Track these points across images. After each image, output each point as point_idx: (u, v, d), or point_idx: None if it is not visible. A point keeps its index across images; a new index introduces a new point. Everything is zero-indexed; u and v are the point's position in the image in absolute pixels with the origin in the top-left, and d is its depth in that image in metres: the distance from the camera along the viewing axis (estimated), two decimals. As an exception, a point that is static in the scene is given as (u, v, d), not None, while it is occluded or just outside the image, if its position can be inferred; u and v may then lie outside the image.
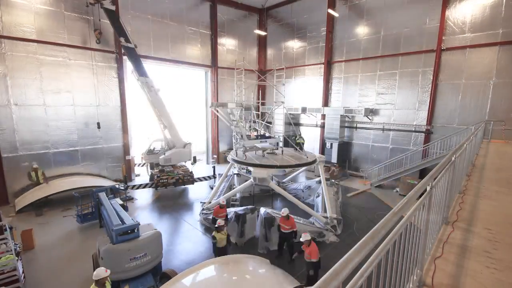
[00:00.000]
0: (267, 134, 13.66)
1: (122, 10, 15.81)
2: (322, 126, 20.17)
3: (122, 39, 13.87)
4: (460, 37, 13.90)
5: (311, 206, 12.28)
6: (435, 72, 14.69)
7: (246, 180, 12.32)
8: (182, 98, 21.13)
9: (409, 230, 2.22)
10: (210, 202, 11.98)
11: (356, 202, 13.62)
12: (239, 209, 10.12)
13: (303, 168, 14.57)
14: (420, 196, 2.47)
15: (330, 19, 18.86)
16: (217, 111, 12.29)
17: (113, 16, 13.91)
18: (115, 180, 16.31)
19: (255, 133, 13.57)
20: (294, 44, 21.84)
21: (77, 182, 13.82)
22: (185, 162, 16.44)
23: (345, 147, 18.90)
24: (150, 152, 16.09)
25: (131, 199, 13.98)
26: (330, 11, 18.03)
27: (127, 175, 16.19)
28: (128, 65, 16.74)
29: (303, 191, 14.18)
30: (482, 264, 3.01)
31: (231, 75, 14.13)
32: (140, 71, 14.28)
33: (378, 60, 17.04)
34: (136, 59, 14.39)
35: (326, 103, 19.91)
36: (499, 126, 12.82)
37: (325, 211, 11.09)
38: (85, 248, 9.15)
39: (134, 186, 14.64)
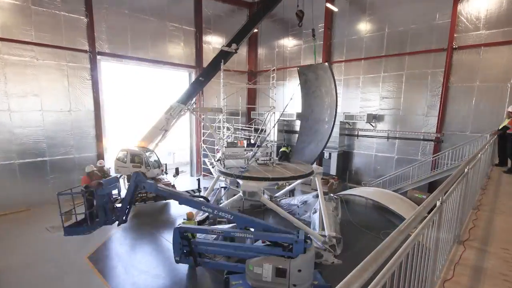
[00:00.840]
0: (258, 143, 13.05)
1: (95, 4, 15.08)
2: (320, 133, 19.48)
3: None
4: (474, 34, 13.34)
5: (308, 223, 11.74)
6: (446, 73, 14.17)
7: (235, 195, 11.78)
8: (163, 102, 19.81)
9: (417, 250, 2.24)
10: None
11: (358, 218, 13.01)
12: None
13: (298, 181, 14.00)
14: (430, 212, 2.52)
15: (329, 14, 18.24)
16: (201, 116, 11.38)
17: None
18: None
19: (244, 142, 13.01)
20: (288, 43, 21.11)
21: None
22: (163, 173, 15.10)
23: (345, 157, 18.52)
24: (120, 159, 14.60)
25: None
26: (329, 5, 17.43)
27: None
28: (102, 65, 16.08)
29: (298, 206, 13.58)
30: (500, 290, 2.90)
31: (218, 77, 13.57)
32: None
33: (382, 60, 16.61)
34: None
35: (324, 107, 19.19)
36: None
37: (323, 229, 10.54)
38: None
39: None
